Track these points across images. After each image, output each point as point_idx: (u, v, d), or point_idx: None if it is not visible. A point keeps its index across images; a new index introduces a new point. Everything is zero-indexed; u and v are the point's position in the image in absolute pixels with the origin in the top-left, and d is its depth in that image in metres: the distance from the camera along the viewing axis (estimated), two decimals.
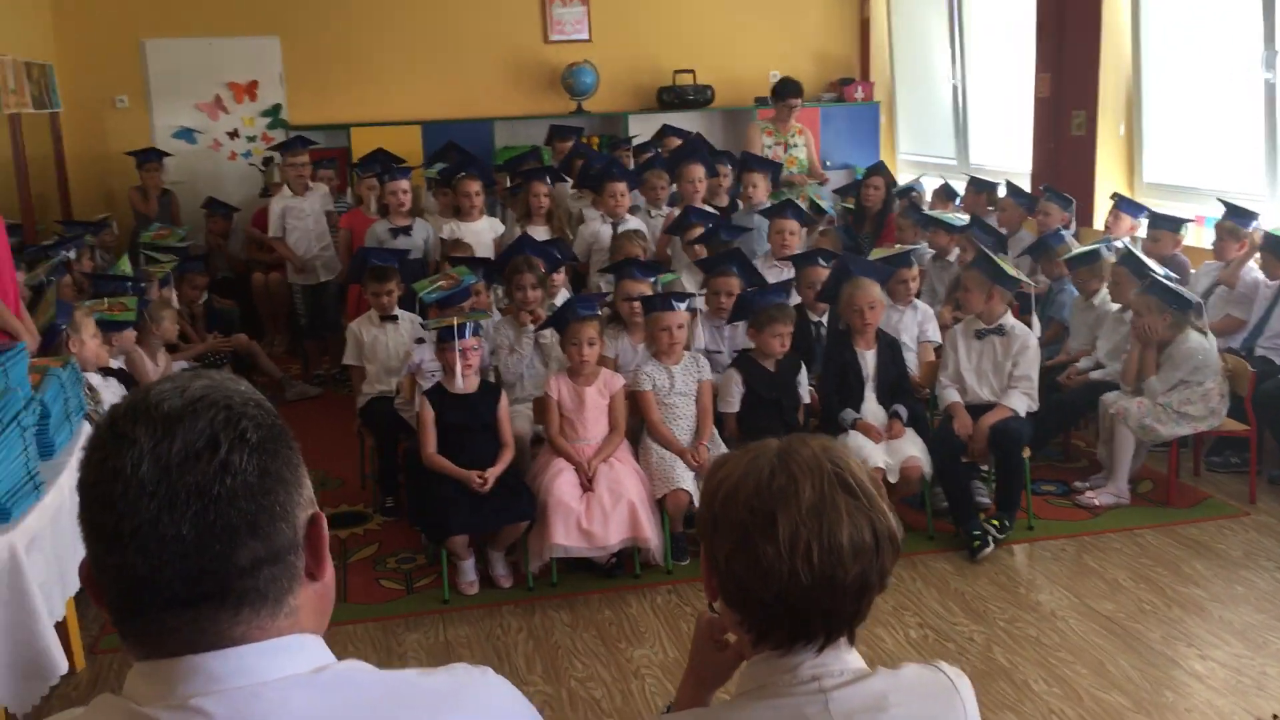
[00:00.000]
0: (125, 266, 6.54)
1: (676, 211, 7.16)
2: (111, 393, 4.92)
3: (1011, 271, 5.25)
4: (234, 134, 9.94)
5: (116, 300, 5.33)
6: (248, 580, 1.11)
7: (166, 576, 1.09)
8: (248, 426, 1.13)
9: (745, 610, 1.49)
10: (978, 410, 5.20)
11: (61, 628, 3.36)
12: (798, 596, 1.43)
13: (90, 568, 1.14)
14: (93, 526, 1.12)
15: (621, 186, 7.06)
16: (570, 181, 8.11)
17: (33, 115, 8.20)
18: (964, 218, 7.23)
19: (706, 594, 1.56)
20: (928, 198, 8.46)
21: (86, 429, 3.99)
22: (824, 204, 8.12)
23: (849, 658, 1.50)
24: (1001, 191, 7.83)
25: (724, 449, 5.00)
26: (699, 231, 6.53)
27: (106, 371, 5.02)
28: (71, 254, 6.56)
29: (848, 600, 1.45)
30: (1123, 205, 7.00)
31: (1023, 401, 5.15)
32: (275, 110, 9.95)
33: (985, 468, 5.40)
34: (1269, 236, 5.88)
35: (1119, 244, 6.28)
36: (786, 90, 8.61)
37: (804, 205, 7.46)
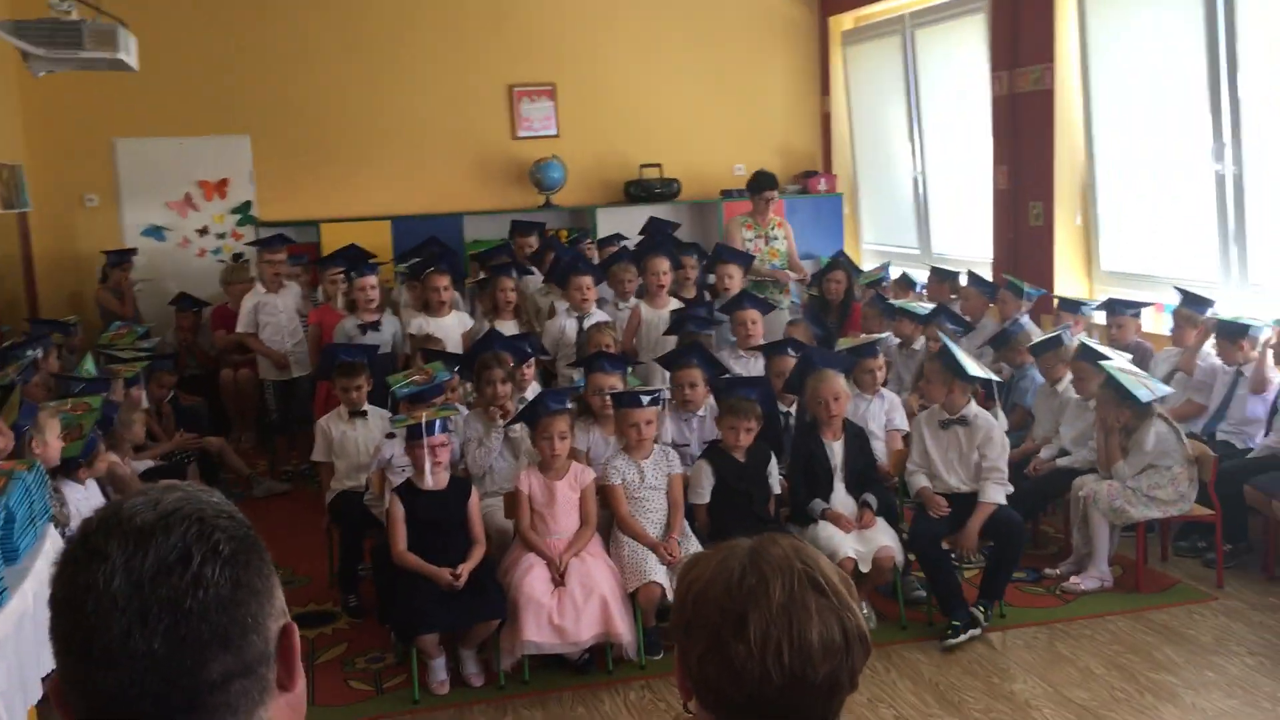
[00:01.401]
0: (89, 366, 6.51)
1: (643, 304, 7.24)
2: (82, 495, 4.87)
3: (972, 368, 5.31)
4: (203, 231, 9.99)
5: (80, 400, 5.29)
6: (218, 695, 1.11)
7: (136, 692, 1.09)
8: (220, 539, 1.14)
9: (718, 711, 1.50)
10: (947, 498, 5.22)
11: None
12: (769, 696, 1.44)
13: (59, 682, 1.13)
14: (63, 641, 1.12)
15: (587, 280, 7.13)
16: (537, 274, 8.18)
17: (1, 215, 8.22)
18: (928, 306, 7.35)
19: (681, 695, 1.56)
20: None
21: (51, 533, 3.94)
22: (785, 296, 8.27)
23: None
24: (963, 280, 7.96)
25: (695, 541, 5.00)
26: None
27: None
28: (39, 353, 6.52)
29: (818, 700, 1.46)
30: (1064, 306, 7.16)
31: (1000, 492, 5.18)
32: (245, 207, 10.02)
33: (959, 558, 5.40)
34: (1223, 324, 6.01)
35: (1078, 339, 6.38)
36: (762, 184, 8.46)
37: (786, 299, 7.72)
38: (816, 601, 1.45)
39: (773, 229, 8.41)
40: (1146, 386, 5.42)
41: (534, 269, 8.27)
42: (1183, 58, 7.07)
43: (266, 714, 1.16)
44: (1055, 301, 7.41)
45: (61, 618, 1.12)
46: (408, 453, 4.95)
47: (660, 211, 10.08)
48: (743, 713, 1.46)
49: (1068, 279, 8.07)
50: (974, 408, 5.31)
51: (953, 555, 5.26)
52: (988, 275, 8.21)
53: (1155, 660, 4.72)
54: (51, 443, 4.79)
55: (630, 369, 5.84)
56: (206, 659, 1.10)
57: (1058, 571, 5.64)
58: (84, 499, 4.84)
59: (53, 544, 3.85)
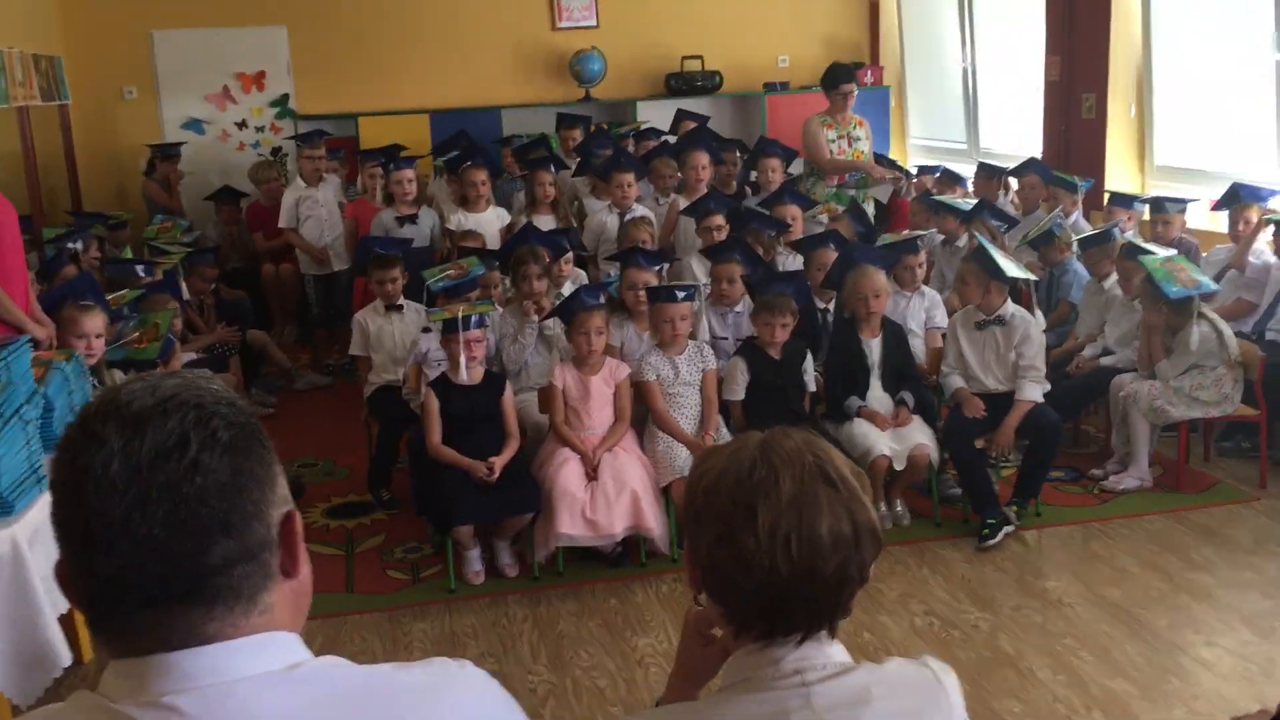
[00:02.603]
0: (129, 255, 6.56)
1: (681, 200, 7.13)
2: None
3: (1010, 268, 5.19)
4: (242, 124, 9.96)
5: (118, 295, 5.34)
6: (220, 578, 1.12)
7: (138, 576, 1.09)
8: (219, 425, 1.14)
9: (727, 602, 1.49)
10: (983, 399, 5.16)
11: (68, 620, 3.38)
12: (778, 588, 1.43)
13: (64, 567, 1.14)
14: (64, 526, 1.12)
15: (629, 176, 7.05)
16: (571, 169, 8.07)
17: (41, 108, 8.23)
18: (970, 202, 7.18)
19: (691, 586, 1.56)
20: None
21: None
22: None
23: (831, 650, 1.49)
24: (1014, 181, 7.71)
25: (728, 437, 5.00)
26: (717, 218, 6.45)
27: None
28: (79, 245, 6.57)
29: (827, 592, 1.45)
30: (1115, 201, 6.96)
31: (1038, 390, 5.12)
32: (283, 100, 9.96)
33: (995, 456, 5.36)
34: None
35: (1126, 236, 6.22)
36: (838, 77, 7.62)
37: (870, 206, 7.47)
38: (827, 494, 1.43)
39: (854, 128, 7.67)
40: (1181, 282, 5.28)
41: (572, 163, 8.17)
42: None
43: (270, 599, 1.16)
44: (1106, 197, 7.21)
45: (61, 502, 1.12)
46: (443, 347, 4.96)
47: (702, 105, 9.92)
48: (752, 604, 1.45)
49: (1120, 174, 7.85)
50: (1011, 307, 5.21)
51: (990, 455, 5.22)
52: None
53: (1192, 560, 4.69)
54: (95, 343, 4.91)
55: (665, 265, 5.77)
56: (207, 543, 1.10)
57: (1101, 472, 5.57)
58: None
59: None
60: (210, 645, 1.11)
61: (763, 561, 1.41)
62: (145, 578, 1.09)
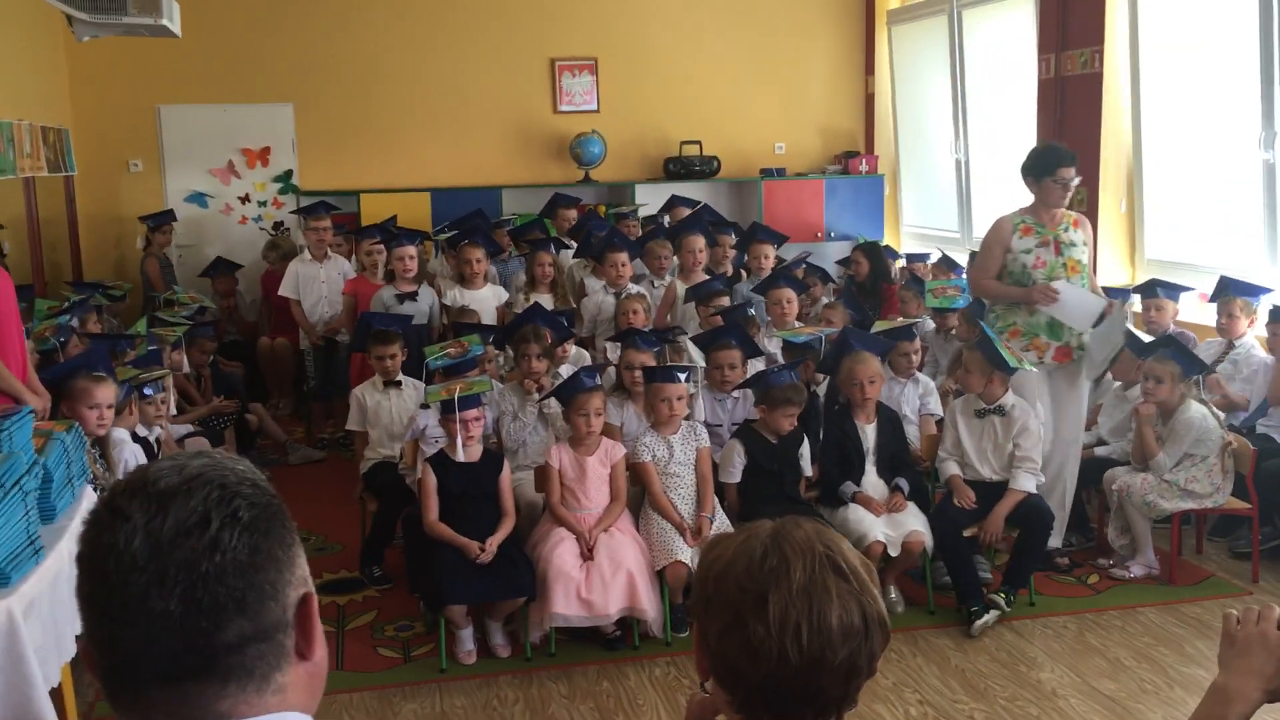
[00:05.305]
0: (141, 329, 6.57)
1: (678, 282, 7.21)
2: (130, 452, 4.94)
3: (1012, 359, 5.24)
4: (245, 198, 10.07)
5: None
6: (235, 657, 1.13)
7: (154, 651, 1.11)
8: (240, 505, 1.16)
9: (735, 691, 1.50)
10: (978, 487, 5.19)
11: (57, 694, 3.34)
12: (786, 677, 1.44)
13: (86, 639, 1.15)
14: (86, 600, 1.15)
15: (623, 256, 7.13)
16: (572, 249, 8.18)
17: (47, 178, 8.32)
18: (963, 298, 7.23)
19: (698, 673, 1.57)
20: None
21: (89, 494, 3.99)
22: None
23: None
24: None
25: (724, 519, 5.00)
26: (724, 300, 6.53)
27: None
28: (74, 321, 6.56)
29: (835, 683, 1.45)
30: (1110, 294, 7.01)
31: (1031, 481, 5.14)
32: (287, 176, 10.09)
33: (985, 545, 5.36)
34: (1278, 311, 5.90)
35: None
36: (1055, 159, 5.49)
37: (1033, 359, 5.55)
38: (837, 585, 1.45)
39: (1065, 229, 5.55)
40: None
41: (572, 243, 8.27)
42: (1234, 43, 6.93)
43: (284, 679, 1.17)
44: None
45: (85, 576, 1.15)
46: (441, 425, 4.97)
47: (700, 188, 10.09)
48: (759, 693, 1.46)
49: (1111, 266, 7.96)
50: (1011, 397, 5.25)
51: (981, 543, 5.22)
52: None
53: (1186, 653, 4.67)
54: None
55: (660, 347, 5.81)
56: (223, 622, 1.12)
57: (1109, 561, 5.55)
58: (133, 455, 4.92)
59: (89, 505, 3.90)
60: None
61: (772, 650, 1.43)
62: (160, 653, 1.11)
